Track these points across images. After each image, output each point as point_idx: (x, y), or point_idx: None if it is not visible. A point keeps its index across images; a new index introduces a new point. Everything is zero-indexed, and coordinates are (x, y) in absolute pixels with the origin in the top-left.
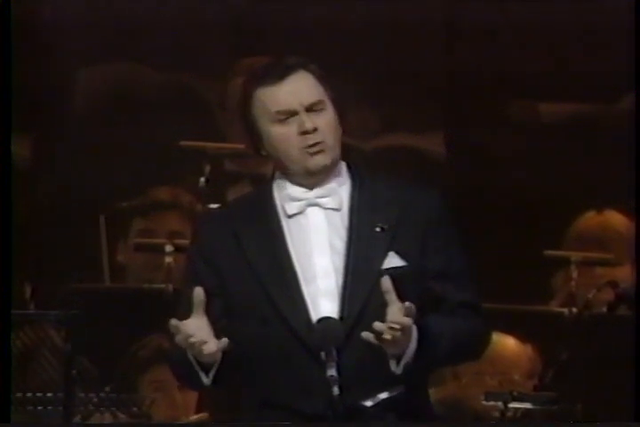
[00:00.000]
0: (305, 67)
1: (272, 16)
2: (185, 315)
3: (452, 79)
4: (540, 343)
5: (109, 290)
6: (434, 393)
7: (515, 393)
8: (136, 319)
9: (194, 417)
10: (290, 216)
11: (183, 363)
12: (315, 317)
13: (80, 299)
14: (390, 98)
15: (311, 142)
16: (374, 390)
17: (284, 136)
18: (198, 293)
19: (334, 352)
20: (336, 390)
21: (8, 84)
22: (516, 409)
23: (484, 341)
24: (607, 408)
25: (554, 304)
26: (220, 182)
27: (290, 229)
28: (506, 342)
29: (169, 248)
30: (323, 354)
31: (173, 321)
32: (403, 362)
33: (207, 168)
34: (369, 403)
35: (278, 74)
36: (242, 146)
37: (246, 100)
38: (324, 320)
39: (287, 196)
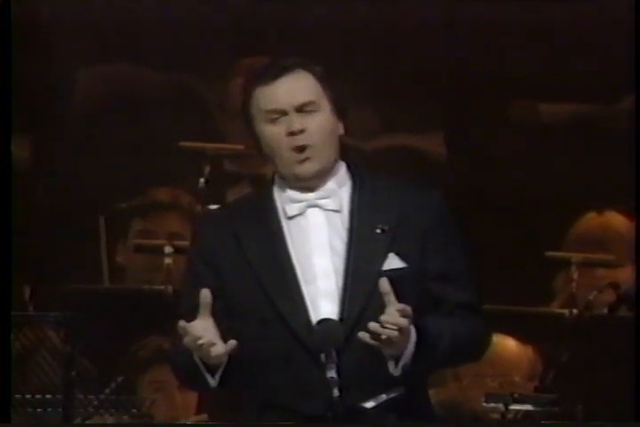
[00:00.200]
0: (305, 67)
1: (272, 16)
2: (186, 316)
3: (452, 79)
4: (540, 345)
5: (109, 291)
6: (434, 395)
7: (515, 395)
8: (135, 320)
9: (193, 419)
10: (290, 217)
11: (188, 365)
12: (314, 318)
13: (79, 300)
14: (390, 98)
15: (298, 144)
16: (374, 391)
17: (274, 136)
18: (205, 294)
19: (334, 354)
20: (336, 392)
21: (8, 84)
22: (517, 411)
23: (484, 342)
24: (608, 410)
25: (554, 305)
26: (219, 183)
27: (290, 231)
28: (506, 344)
29: (168, 249)
30: (322, 356)
31: (181, 322)
32: (401, 363)
33: (207, 169)
34: (369, 404)
35: (274, 73)
36: (241, 146)
37: (246, 100)
38: (324, 322)
39: (287, 197)
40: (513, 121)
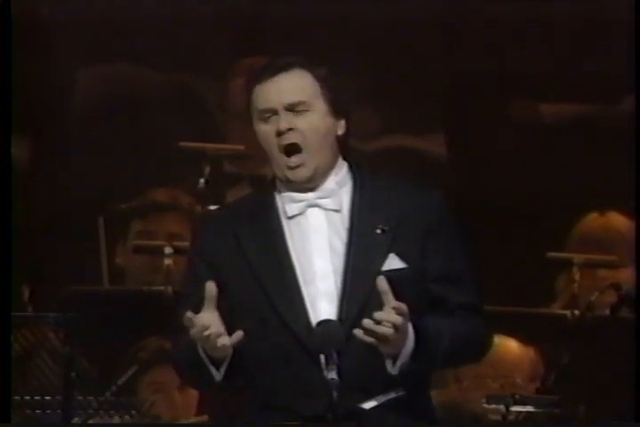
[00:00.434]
0: (303, 66)
1: (272, 16)
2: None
3: (452, 79)
4: (542, 346)
5: (108, 292)
6: (435, 396)
7: (517, 396)
8: (135, 322)
9: (193, 420)
10: (290, 217)
11: (192, 359)
12: (314, 318)
13: (79, 301)
14: (390, 98)
15: (284, 143)
16: (374, 392)
17: (266, 135)
18: (210, 288)
19: (334, 355)
20: (336, 393)
21: (8, 84)
22: (518, 412)
23: (485, 343)
24: (610, 411)
25: (556, 306)
26: (219, 184)
27: (290, 230)
28: (508, 345)
29: (168, 250)
30: (322, 357)
31: (189, 314)
32: (399, 362)
33: (206, 169)
34: (369, 405)
35: (271, 72)
36: (241, 147)
37: (247, 99)
38: (324, 323)
39: (287, 197)
40: (513, 121)
